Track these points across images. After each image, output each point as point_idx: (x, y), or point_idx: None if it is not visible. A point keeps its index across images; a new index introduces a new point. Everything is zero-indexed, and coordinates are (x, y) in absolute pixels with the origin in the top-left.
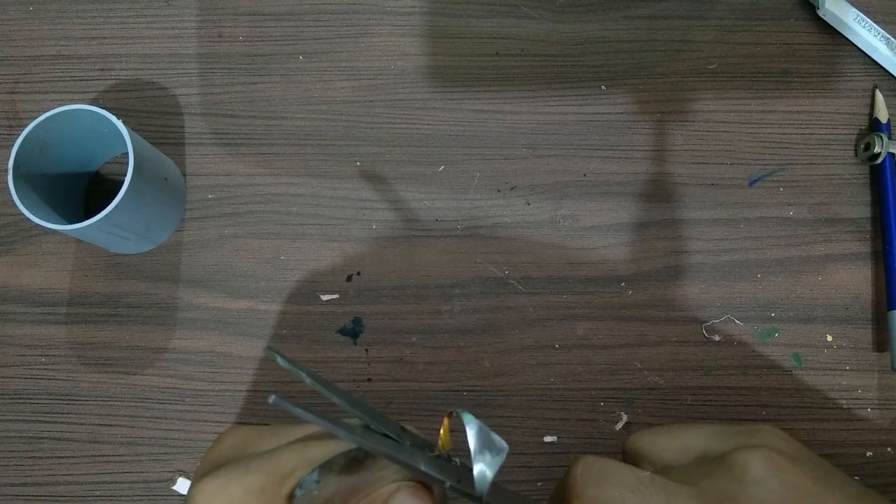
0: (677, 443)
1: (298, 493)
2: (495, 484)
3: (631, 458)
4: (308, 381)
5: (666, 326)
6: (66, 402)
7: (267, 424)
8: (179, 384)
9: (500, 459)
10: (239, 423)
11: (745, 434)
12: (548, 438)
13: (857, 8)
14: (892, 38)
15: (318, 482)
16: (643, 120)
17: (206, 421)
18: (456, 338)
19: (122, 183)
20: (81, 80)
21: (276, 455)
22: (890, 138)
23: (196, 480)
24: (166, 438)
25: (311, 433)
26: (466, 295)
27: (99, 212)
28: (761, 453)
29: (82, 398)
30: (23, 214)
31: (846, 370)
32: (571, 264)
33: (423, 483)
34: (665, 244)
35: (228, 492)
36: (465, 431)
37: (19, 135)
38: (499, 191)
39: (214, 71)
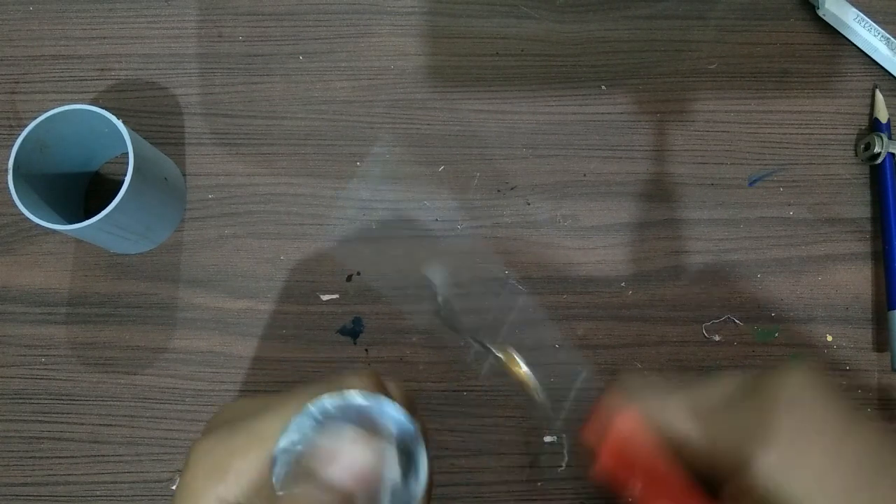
0: (699, 401)
1: (280, 454)
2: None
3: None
4: None
5: (666, 326)
6: (66, 402)
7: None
8: (179, 384)
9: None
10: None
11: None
12: (548, 438)
13: (857, 8)
14: (892, 38)
15: (298, 446)
16: (643, 120)
17: (205, 421)
18: (456, 338)
19: (122, 183)
20: (81, 80)
21: (258, 418)
22: (890, 138)
23: (194, 443)
24: (166, 438)
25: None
26: (466, 295)
27: (99, 212)
28: (798, 372)
29: (82, 398)
30: (23, 214)
31: (846, 370)
32: (571, 264)
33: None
34: (665, 244)
35: (215, 452)
36: None
37: (19, 135)
38: (499, 191)
39: (214, 71)
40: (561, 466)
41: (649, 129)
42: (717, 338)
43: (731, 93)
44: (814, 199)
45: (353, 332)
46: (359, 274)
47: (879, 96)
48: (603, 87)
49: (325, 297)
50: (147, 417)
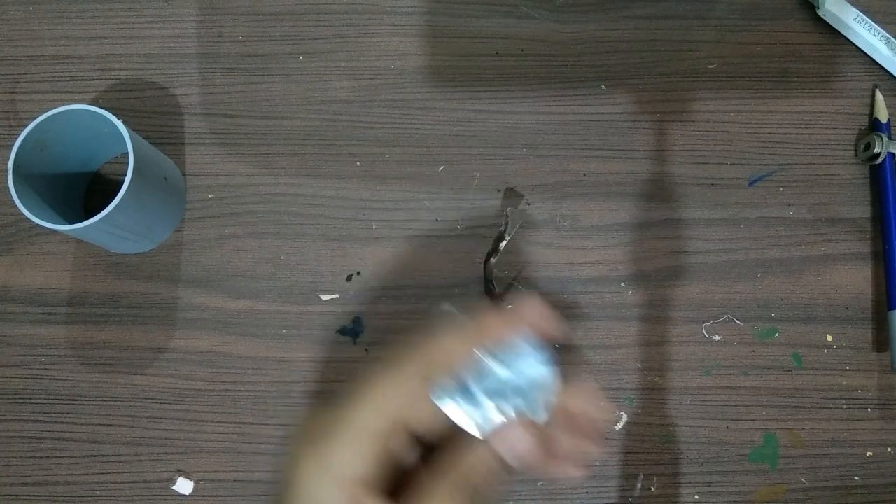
0: None
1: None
2: None
3: None
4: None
5: (666, 326)
6: (66, 402)
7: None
8: (179, 384)
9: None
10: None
11: None
12: None
13: (857, 8)
14: (892, 38)
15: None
16: (643, 120)
17: (206, 421)
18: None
19: (122, 183)
20: (81, 80)
21: (353, 407)
22: (890, 138)
23: (286, 457)
24: (166, 438)
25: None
26: (466, 295)
27: (99, 212)
28: None
29: (82, 398)
30: (23, 214)
31: (846, 370)
32: (571, 264)
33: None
34: (665, 244)
35: (318, 449)
36: None
37: (19, 135)
38: (499, 191)
39: (214, 71)
40: None
41: (649, 129)
42: (717, 338)
43: (731, 93)
44: (814, 199)
45: (353, 332)
46: (359, 274)
47: (879, 96)
48: (603, 87)
49: (325, 297)
50: (147, 417)
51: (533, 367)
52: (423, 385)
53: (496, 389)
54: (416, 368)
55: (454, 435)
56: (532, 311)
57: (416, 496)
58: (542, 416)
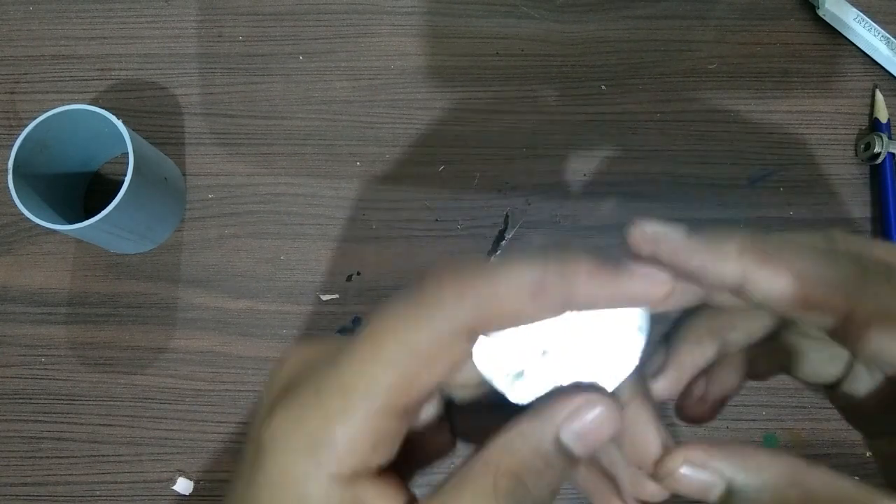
0: None
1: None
2: None
3: None
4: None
5: (666, 326)
6: (66, 402)
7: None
8: (179, 384)
9: None
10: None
11: None
12: None
13: (857, 8)
14: (892, 38)
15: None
16: (643, 120)
17: (206, 421)
18: None
19: (122, 183)
20: (81, 80)
21: (346, 368)
22: (890, 138)
23: (261, 423)
24: (166, 438)
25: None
26: None
27: (99, 212)
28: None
29: (82, 398)
30: (23, 214)
31: None
32: None
33: None
34: None
35: (308, 422)
36: None
37: (19, 135)
38: (499, 191)
39: (214, 71)
40: None
41: (649, 129)
42: None
43: (731, 93)
44: (814, 199)
45: (353, 331)
46: (359, 274)
47: (879, 96)
48: (603, 87)
49: (325, 297)
50: (147, 417)
51: (620, 332)
52: (464, 342)
53: (565, 355)
54: (458, 318)
55: (493, 395)
56: (650, 286)
57: (445, 488)
58: (622, 394)
